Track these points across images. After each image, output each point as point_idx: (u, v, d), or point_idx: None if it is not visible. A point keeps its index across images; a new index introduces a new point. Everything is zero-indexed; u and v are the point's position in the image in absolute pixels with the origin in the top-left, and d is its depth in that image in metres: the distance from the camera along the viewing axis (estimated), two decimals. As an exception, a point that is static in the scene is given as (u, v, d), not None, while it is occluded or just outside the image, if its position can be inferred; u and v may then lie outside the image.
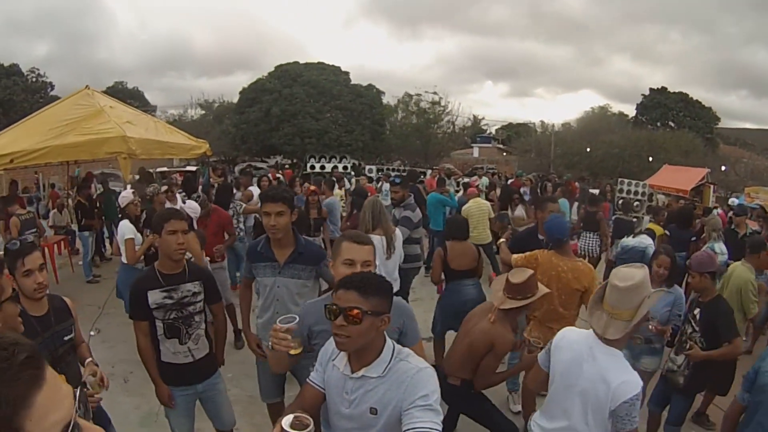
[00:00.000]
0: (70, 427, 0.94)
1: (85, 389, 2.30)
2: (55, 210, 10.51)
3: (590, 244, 9.01)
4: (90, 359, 2.94)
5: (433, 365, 4.62)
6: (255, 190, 9.87)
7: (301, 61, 31.40)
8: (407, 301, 6.30)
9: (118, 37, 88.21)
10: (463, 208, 9.34)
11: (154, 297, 3.17)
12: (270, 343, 2.23)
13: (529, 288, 3.58)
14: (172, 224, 3.15)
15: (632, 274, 2.45)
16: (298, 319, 2.25)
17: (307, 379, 2.20)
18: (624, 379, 2.33)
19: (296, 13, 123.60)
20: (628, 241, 6.97)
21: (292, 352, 2.21)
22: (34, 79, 38.36)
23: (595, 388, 2.38)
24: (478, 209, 9.02)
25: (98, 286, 8.94)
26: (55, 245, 9.99)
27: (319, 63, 31.37)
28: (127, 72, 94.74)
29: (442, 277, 5.47)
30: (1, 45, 68.60)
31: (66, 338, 2.93)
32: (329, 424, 2.17)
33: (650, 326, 3.99)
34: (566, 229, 4.51)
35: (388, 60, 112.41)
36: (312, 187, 8.36)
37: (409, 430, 1.81)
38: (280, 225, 3.32)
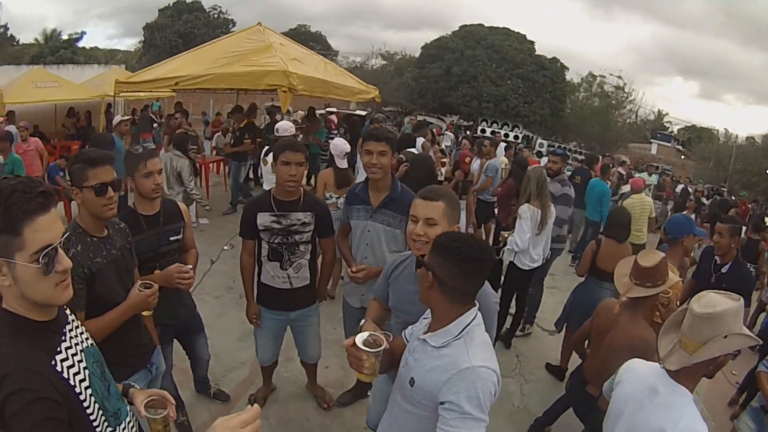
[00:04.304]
0: (52, 247, 1.34)
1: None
2: (219, 133, 11.14)
3: (744, 278, 7.61)
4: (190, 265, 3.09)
5: (559, 366, 4.37)
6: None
7: (486, 24, 30.50)
8: (543, 286, 5.95)
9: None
10: (625, 203, 8.49)
11: (263, 219, 3.34)
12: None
13: (661, 274, 3.05)
14: (287, 155, 3.22)
15: (716, 302, 1.92)
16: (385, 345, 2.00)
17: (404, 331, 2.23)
18: (684, 426, 1.85)
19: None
20: None
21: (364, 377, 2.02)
22: (215, 16, 40.99)
23: (647, 425, 1.98)
24: (641, 206, 8.14)
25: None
26: (213, 165, 10.63)
27: (504, 28, 30.20)
28: (313, 17, 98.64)
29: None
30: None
31: (172, 238, 3.10)
32: None
33: None
34: (683, 229, 3.94)
35: (576, 38, 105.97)
36: (466, 149, 8.15)
37: None
38: (381, 164, 3.23)
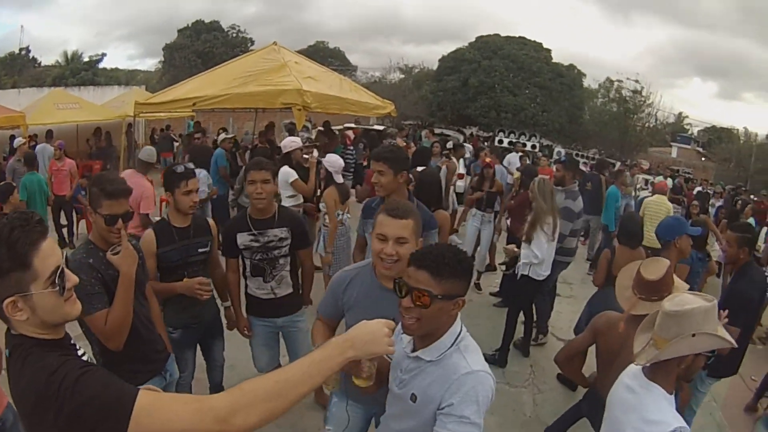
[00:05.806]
0: (60, 269, 1.41)
1: None
2: (240, 151, 11.39)
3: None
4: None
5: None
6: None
7: (503, 34, 30.55)
8: (551, 295, 6.01)
9: (327, 2, 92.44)
10: (644, 201, 8.39)
11: (242, 239, 3.47)
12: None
13: (666, 285, 2.73)
14: (252, 175, 3.38)
15: (686, 301, 2.00)
16: None
17: None
18: (653, 419, 1.94)
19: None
20: None
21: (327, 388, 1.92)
22: (234, 35, 40.98)
23: (624, 424, 2.08)
24: (657, 207, 7.90)
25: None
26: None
27: (520, 37, 30.24)
28: (333, 34, 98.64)
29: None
30: (213, 7, 75.88)
31: (200, 250, 3.37)
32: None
33: None
34: (674, 231, 3.93)
35: (594, 44, 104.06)
36: (488, 159, 8.06)
37: None
38: (380, 182, 3.39)
